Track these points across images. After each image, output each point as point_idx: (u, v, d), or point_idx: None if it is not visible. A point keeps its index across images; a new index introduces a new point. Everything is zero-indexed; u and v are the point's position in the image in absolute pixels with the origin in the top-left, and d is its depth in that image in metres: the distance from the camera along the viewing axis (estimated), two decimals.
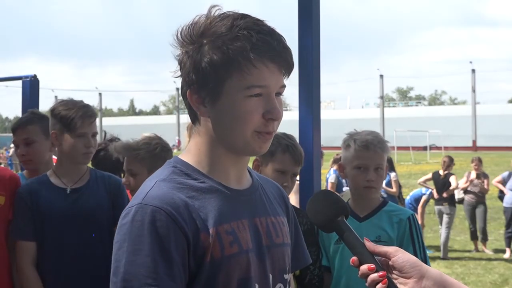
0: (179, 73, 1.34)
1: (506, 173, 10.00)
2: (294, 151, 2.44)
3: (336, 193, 1.74)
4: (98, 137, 2.77)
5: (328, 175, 9.26)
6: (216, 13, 1.30)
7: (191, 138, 1.39)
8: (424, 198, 10.43)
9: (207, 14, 1.30)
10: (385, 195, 8.79)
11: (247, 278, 1.29)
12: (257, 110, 1.27)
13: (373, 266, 1.22)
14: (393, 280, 1.23)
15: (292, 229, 1.55)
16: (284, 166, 2.42)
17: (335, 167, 9.16)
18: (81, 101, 2.71)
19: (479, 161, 10.22)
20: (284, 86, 1.32)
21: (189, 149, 1.38)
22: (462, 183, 9.92)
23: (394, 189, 8.81)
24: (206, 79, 1.27)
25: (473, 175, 9.98)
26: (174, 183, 1.29)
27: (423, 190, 10.64)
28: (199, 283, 1.24)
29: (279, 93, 1.31)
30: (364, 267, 1.23)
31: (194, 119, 1.36)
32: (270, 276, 1.36)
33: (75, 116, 2.61)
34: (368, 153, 2.38)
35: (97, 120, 2.82)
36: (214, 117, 1.30)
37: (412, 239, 2.35)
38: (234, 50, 1.24)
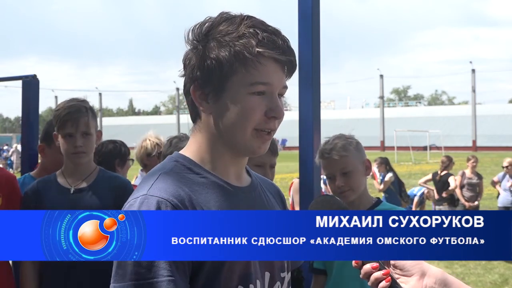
0: (183, 71, 1.35)
1: (501, 174, 9.89)
2: None
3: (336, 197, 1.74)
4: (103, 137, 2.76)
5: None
6: (224, 16, 1.32)
7: (191, 135, 1.40)
8: (416, 200, 10.38)
9: (216, 16, 1.33)
10: (386, 195, 8.88)
11: (247, 274, 1.30)
12: (259, 108, 1.29)
13: (376, 264, 1.22)
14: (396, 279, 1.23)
15: None
16: (262, 159, 2.44)
17: None
18: (73, 100, 2.70)
19: (477, 160, 10.07)
20: (286, 87, 1.34)
21: (189, 145, 1.39)
22: (457, 182, 9.70)
23: (381, 186, 9.22)
24: (211, 75, 1.29)
25: (468, 173, 9.83)
26: (178, 177, 1.30)
27: (415, 190, 10.60)
28: (202, 277, 1.24)
29: (280, 94, 1.33)
30: (367, 266, 1.23)
31: (196, 116, 1.37)
32: (268, 274, 1.38)
33: (60, 117, 2.63)
34: (325, 161, 2.40)
35: (97, 120, 2.80)
36: (216, 113, 1.31)
37: None
38: (240, 46, 1.26)
